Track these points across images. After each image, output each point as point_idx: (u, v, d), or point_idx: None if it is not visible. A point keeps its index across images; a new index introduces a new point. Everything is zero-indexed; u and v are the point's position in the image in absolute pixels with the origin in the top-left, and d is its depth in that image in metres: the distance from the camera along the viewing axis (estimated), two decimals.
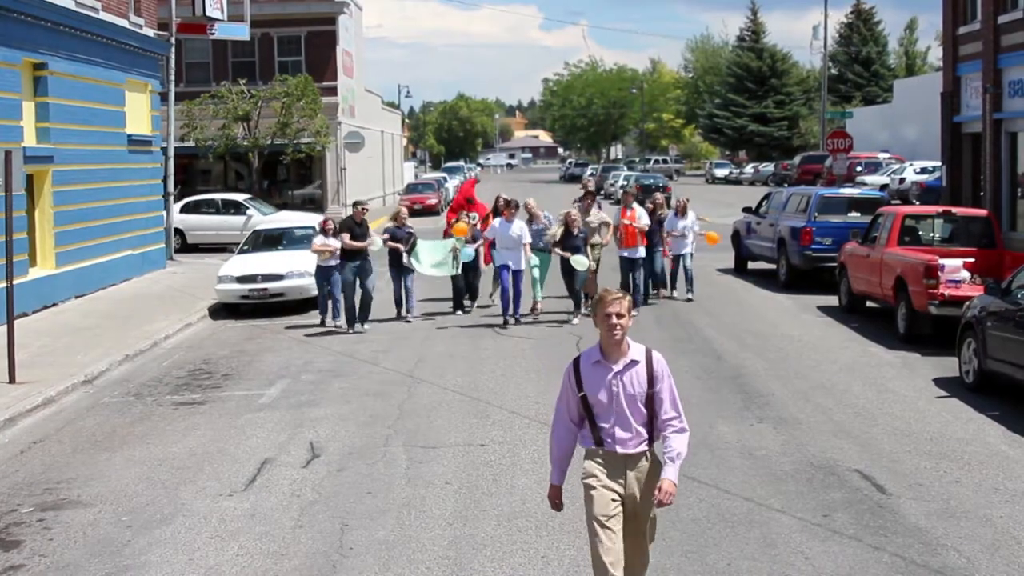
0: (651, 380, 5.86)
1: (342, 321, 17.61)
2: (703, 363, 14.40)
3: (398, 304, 18.54)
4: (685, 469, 9.49)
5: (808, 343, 15.73)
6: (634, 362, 5.88)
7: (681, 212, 20.35)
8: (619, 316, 5.78)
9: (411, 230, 18.45)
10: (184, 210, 32.21)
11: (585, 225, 17.97)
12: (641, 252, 18.48)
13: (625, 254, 18.49)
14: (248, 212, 32.50)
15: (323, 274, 17.73)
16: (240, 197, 34.40)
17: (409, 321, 18.17)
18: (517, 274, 17.63)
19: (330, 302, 17.84)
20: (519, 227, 17.86)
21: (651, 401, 5.86)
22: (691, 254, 20.20)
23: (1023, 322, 11.49)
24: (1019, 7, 25.05)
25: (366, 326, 17.37)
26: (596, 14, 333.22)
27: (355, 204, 18.21)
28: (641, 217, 18.59)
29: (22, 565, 7.89)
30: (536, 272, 18.62)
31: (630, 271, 18.44)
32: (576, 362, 6.00)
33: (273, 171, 42.66)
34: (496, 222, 18.11)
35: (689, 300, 19.71)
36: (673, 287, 20.48)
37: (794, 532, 8.04)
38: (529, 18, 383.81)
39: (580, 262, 17.13)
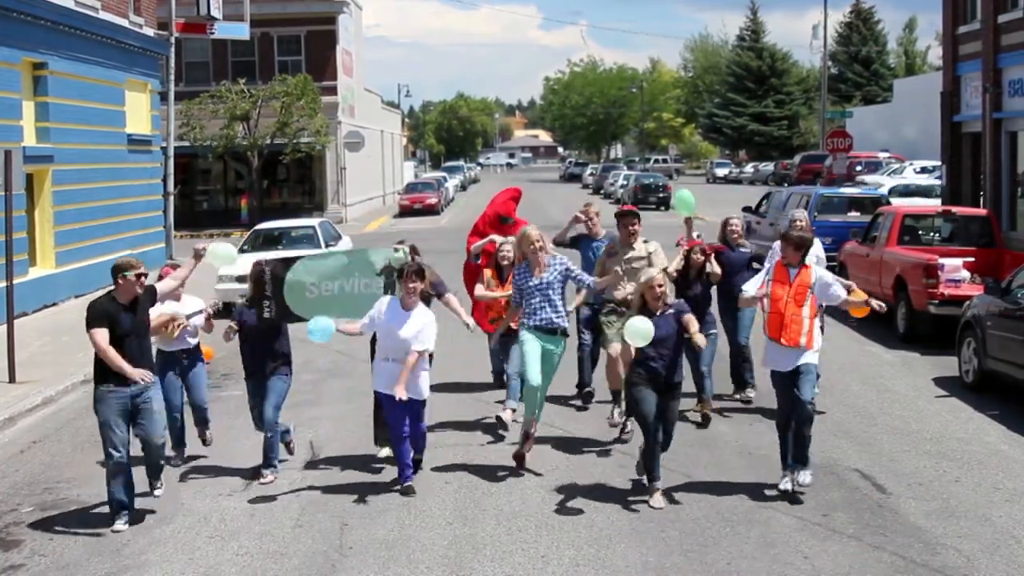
0: None
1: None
2: None
3: (259, 423, 9.71)
4: (685, 468, 9.54)
5: None
6: None
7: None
8: None
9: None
10: None
11: (622, 269, 10.49)
12: (810, 358, 8.76)
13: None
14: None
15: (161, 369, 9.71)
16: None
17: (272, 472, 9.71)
18: (414, 407, 9.28)
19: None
20: (420, 321, 9.14)
21: None
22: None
23: (1023, 321, 11.50)
24: (1019, 7, 25.01)
25: (157, 489, 9.01)
26: (595, 13, 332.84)
27: (118, 270, 8.51)
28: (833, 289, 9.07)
29: (22, 565, 7.89)
30: (538, 371, 9.57)
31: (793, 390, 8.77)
32: None
33: (273, 171, 42.71)
34: (383, 304, 9.31)
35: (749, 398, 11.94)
36: (740, 387, 12.07)
37: (793, 531, 8.05)
38: (528, 18, 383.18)
39: (638, 331, 8.50)
